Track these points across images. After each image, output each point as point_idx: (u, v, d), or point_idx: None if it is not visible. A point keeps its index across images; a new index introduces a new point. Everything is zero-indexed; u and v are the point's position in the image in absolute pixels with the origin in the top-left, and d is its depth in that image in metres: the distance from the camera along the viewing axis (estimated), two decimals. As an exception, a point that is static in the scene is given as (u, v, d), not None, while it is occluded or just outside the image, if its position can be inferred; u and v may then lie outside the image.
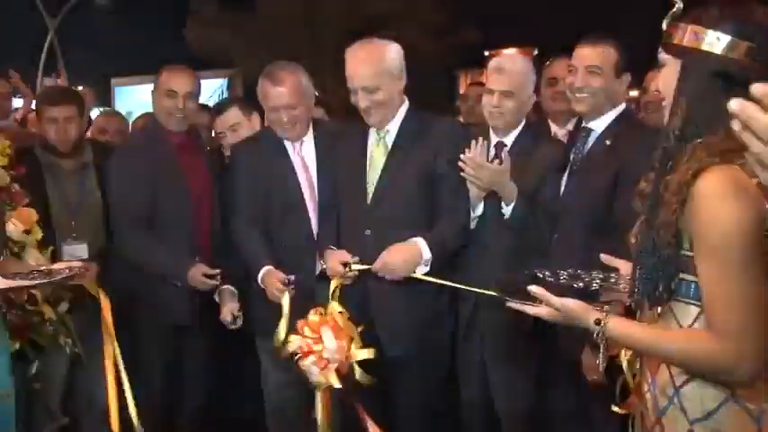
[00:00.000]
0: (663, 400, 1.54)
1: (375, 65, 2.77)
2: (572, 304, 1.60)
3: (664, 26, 1.56)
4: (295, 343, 2.65)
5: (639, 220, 1.60)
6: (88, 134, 4.11)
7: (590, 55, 2.66)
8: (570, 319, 1.61)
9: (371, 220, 2.79)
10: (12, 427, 2.50)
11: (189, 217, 3.17)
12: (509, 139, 2.92)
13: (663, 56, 1.64)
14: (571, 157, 2.77)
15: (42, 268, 2.58)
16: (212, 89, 11.84)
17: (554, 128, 3.48)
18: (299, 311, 2.77)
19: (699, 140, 1.45)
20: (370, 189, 2.81)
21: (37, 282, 2.47)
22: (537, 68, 3.07)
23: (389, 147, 2.83)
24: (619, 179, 2.52)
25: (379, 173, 2.81)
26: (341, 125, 3.20)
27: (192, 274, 3.06)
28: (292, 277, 2.86)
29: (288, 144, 3.07)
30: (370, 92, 2.76)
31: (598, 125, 2.70)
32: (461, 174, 2.69)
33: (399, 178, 2.78)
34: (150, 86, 3.29)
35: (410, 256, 2.69)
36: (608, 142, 2.66)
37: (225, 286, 3.14)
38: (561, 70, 3.23)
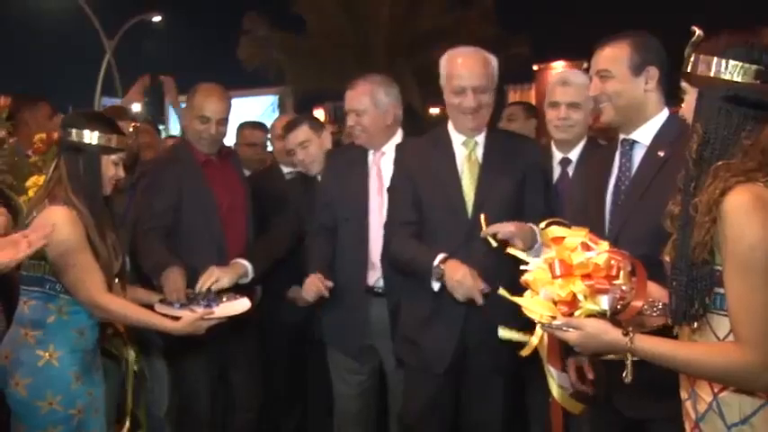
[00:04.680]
0: (702, 406, 1.59)
1: (486, 66, 2.73)
2: (593, 323, 1.64)
3: (685, 55, 1.61)
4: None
5: (671, 240, 1.64)
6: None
7: (598, 59, 2.33)
8: (593, 338, 1.63)
9: (472, 232, 2.62)
10: None
11: (216, 229, 3.15)
12: (573, 155, 2.90)
13: (684, 84, 1.67)
14: (613, 175, 2.30)
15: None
16: (264, 106, 12.07)
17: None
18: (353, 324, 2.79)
19: (719, 162, 1.52)
20: (469, 202, 2.71)
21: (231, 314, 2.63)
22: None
23: (480, 160, 2.76)
24: None
25: (476, 186, 2.72)
26: (425, 137, 2.98)
27: (167, 277, 2.85)
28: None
29: (370, 153, 3.08)
30: (481, 92, 2.70)
31: (642, 136, 2.26)
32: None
33: (495, 192, 2.68)
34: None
35: None
36: (661, 154, 2.19)
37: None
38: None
